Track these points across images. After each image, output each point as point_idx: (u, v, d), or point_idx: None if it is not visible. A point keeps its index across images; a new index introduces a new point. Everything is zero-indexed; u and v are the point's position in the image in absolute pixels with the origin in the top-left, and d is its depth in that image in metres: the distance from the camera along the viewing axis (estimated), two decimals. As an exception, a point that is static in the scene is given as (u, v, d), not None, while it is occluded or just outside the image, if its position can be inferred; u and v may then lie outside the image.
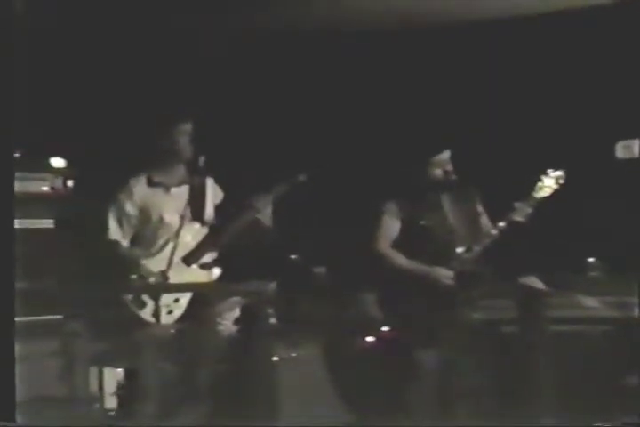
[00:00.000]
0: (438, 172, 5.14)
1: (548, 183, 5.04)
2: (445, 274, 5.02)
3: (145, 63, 5.89)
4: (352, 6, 5.80)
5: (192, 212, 4.80)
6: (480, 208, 5.24)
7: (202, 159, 4.80)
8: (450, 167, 5.15)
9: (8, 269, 3.94)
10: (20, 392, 4.40)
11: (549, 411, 4.71)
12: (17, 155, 4.94)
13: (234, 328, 4.90)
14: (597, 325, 5.08)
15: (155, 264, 4.68)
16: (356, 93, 6.14)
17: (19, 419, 4.24)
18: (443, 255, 5.08)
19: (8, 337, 3.92)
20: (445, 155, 5.16)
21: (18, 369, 4.37)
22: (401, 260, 5.10)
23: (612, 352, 4.89)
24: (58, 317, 4.84)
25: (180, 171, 4.88)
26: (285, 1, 5.70)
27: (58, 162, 5.06)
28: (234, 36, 5.97)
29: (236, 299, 4.89)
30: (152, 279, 4.65)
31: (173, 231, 4.72)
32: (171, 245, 4.69)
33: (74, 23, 5.59)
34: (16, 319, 4.61)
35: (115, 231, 4.78)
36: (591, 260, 5.52)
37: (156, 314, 4.58)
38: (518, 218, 4.99)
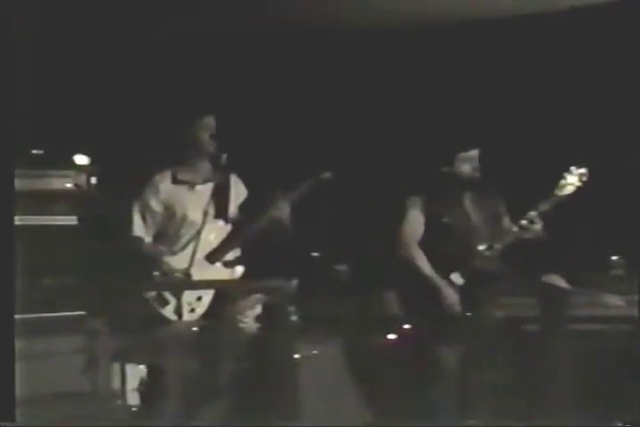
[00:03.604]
0: (466, 168, 5.12)
1: (572, 181, 5.01)
2: (451, 295, 4.99)
3: (168, 59, 5.90)
4: (377, 4, 5.79)
5: (216, 209, 4.81)
6: (502, 206, 5.23)
7: (224, 156, 4.81)
8: (477, 164, 5.13)
9: (8, 267, 3.94)
10: (41, 388, 4.44)
11: (569, 410, 4.70)
12: (40, 152, 4.98)
13: (255, 326, 4.90)
14: (620, 323, 5.07)
15: (178, 262, 4.69)
16: (381, 89, 6.13)
17: (38, 414, 4.29)
18: (464, 253, 5.07)
19: (8, 337, 3.92)
20: (474, 152, 5.14)
21: (39, 365, 4.42)
22: (422, 262, 5.07)
23: (636, 351, 4.88)
24: (80, 313, 4.86)
25: (205, 168, 4.87)
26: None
27: (81, 159, 5.08)
28: (258, 31, 5.97)
29: (257, 296, 4.89)
30: (175, 277, 4.66)
31: (197, 229, 4.72)
32: (194, 243, 4.71)
33: (96, 17, 5.60)
34: (39, 315, 4.67)
35: (139, 228, 4.78)
36: (614, 258, 5.51)
37: (179, 312, 4.60)
38: (527, 235, 4.95)
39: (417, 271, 5.04)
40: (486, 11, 5.98)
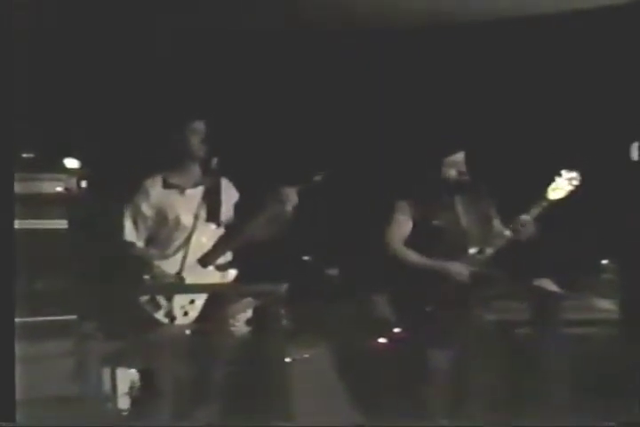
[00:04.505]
0: (452, 172, 5.13)
1: (562, 184, 5.02)
2: (461, 270, 4.99)
3: (158, 63, 5.89)
4: (370, 5, 5.79)
5: (207, 213, 4.81)
6: (493, 210, 5.24)
7: (215, 160, 4.81)
8: (463, 168, 5.14)
9: (9, 270, 3.93)
10: (33, 392, 4.42)
11: (559, 412, 4.71)
12: (31, 155, 4.97)
13: (246, 329, 4.89)
14: (611, 327, 5.09)
15: (170, 265, 4.68)
16: (370, 93, 6.13)
17: (31, 418, 4.27)
18: (455, 256, 5.07)
19: (8, 337, 3.91)
20: (460, 156, 5.15)
21: (31, 369, 4.40)
22: (414, 257, 5.08)
23: (625, 355, 4.90)
24: (72, 317, 4.84)
25: (195, 172, 4.88)
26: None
27: (72, 163, 5.07)
28: (246, 34, 5.97)
29: (249, 300, 4.89)
30: (167, 280, 4.65)
31: (188, 233, 4.72)
32: (186, 247, 4.70)
33: (86, 23, 5.60)
34: (30, 320, 4.65)
35: (130, 233, 4.78)
36: (605, 262, 5.53)
37: (170, 315, 4.59)
38: (520, 237, 4.97)
39: (412, 268, 5.03)
40: (475, 14, 5.98)
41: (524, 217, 4.98)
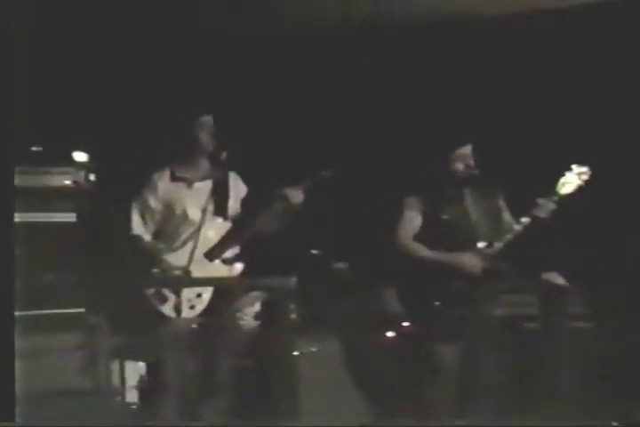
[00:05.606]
0: (460, 166, 5.12)
1: (572, 179, 5.01)
2: (475, 262, 4.99)
3: (167, 58, 5.90)
4: (370, 5, 5.79)
5: (215, 207, 4.82)
6: (502, 203, 5.23)
7: (224, 154, 4.81)
8: (471, 161, 5.13)
9: (9, 264, 3.95)
10: (41, 385, 4.44)
11: (568, 409, 4.70)
12: (39, 149, 4.99)
13: (254, 323, 4.90)
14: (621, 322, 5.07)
15: (177, 259, 4.69)
16: (378, 87, 6.12)
17: (38, 412, 4.29)
18: (464, 250, 5.06)
19: (8, 336, 3.93)
20: (467, 148, 5.14)
21: (38, 362, 4.42)
22: (426, 251, 5.08)
23: (634, 350, 4.88)
24: (80, 310, 4.86)
25: (204, 165, 4.89)
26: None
27: (80, 156, 5.08)
28: (256, 29, 5.97)
29: (256, 294, 4.89)
30: (174, 274, 4.66)
31: (196, 226, 4.73)
32: (193, 240, 4.70)
33: (95, 16, 5.60)
34: (38, 312, 4.67)
35: (138, 226, 4.80)
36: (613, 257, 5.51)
37: (178, 309, 4.60)
38: (541, 214, 4.97)
39: (422, 262, 5.03)
40: (482, 8, 5.97)
41: (535, 212, 4.97)
